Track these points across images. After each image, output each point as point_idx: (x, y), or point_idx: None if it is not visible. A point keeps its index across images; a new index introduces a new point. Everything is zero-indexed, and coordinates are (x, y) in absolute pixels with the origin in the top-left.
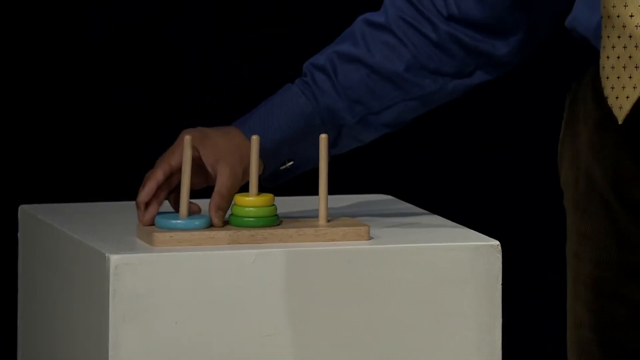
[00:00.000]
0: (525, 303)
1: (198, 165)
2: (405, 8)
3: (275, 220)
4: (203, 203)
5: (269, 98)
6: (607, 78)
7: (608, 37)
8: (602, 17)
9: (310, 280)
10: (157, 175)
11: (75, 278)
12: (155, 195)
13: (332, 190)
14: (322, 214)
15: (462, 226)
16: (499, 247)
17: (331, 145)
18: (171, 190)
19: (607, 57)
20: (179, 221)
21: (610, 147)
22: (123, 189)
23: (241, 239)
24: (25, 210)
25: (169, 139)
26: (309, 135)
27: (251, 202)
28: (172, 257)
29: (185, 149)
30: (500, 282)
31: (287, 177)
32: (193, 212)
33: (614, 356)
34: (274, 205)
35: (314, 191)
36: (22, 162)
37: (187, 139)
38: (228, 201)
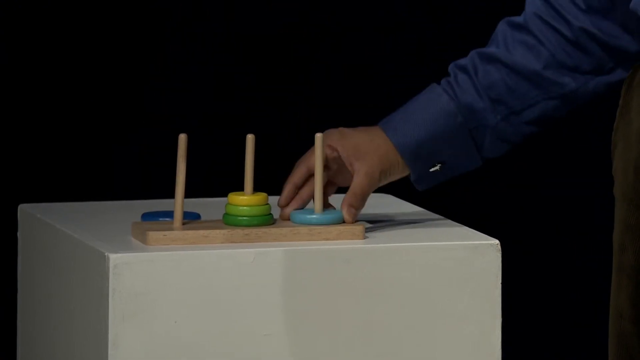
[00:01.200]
0: (525, 302)
1: (340, 164)
2: (541, 6)
3: (269, 220)
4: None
5: (413, 97)
6: None
7: None
8: None
9: (309, 279)
10: (294, 179)
11: (74, 277)
12: (297, 196)
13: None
14: (317, 212)
15: (461, 225)
16: (499, 246)
17: (478, 147)
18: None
19: None
20: (313, 216)
21: None
22: (123, 188)
23: (235, 238)
24: (24, 210)
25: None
26: (453, 135)
27: (245, 201)
28: (171, 256)
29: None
30: (500, 281)
31: (439, 180)
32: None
33: None
34: (268, 204)
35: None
36: (21, 161)
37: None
38: (362, 200)
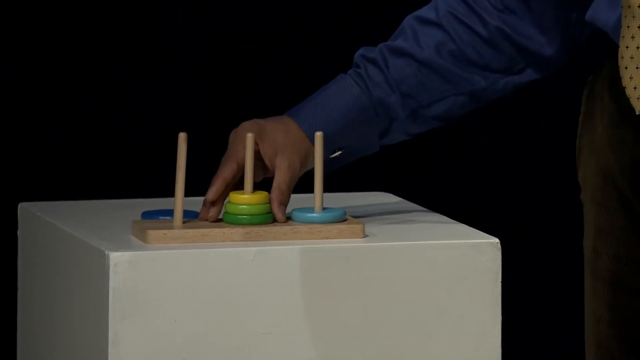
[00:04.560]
0: (525, 301)
1: (257, 158)
2: (455, 4)
3: (269, 218)
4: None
5: (322, 88)
6: (626, 68)
7: (628, 27)
8: (622, 7)
9: (309, 277)
10: (225, 175)
11: (74, 275)
12: (222, 193)
13: (331, 188)
14: (318, 211)
15: (461, 224)
16: (499, 245)
17: (381, 135)
18: (235, 186)
19: (627, 47)
20: (314, 214)
21: (628, 142)
22: (123, 187)
23: (235, 236)
24: (24, 208)
25: (168, 137)
26: (360, 126)
27: (246, 200)
28: (171, 254)
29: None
30: (500, 280)
31: (337, 165)
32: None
33: (633, 351)
34: (268, 203)
35: (311, 189)
36: (21, 160)
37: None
38: (288, 195)
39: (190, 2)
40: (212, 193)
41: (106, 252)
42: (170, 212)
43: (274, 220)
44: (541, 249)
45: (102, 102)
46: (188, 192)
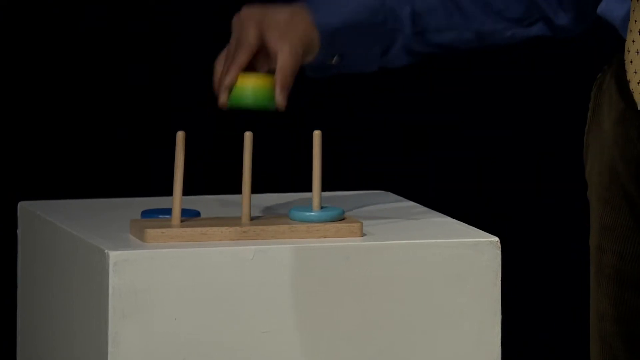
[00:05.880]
0: (525, 300)
1: (262, 44)
2: None
3: (272, 103)
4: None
5: None
6: (631, 62)
7: (635, 20)
8: (631, 1)
9: (307, 276)
10: (240, 62)
11: (74, 274)
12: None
13: (331, 187)
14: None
15: (461, 222)
16: (499, 244)
17: (381, 53)
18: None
19: (633, 41)
20: (312, 213)
21: (633, 139)
22: (122, 185)
23: (233, 235)
24: (24, 207)
25: (167, 136)
26: (366, 32)
27: (251, 82)
28: (171, 253)
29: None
30: (500, 279)
31: (331, 73)
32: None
33: (637, 348)
34: (273, 87)
35: (309, 188)
36: (21, 159)
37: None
38: (291, 80)
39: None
40: (229, 79)
41: (106, 251)
42: (170, 211)
43: (277, 108)
44: (541, 248)
45: (102, 102)
46: (186, 191)
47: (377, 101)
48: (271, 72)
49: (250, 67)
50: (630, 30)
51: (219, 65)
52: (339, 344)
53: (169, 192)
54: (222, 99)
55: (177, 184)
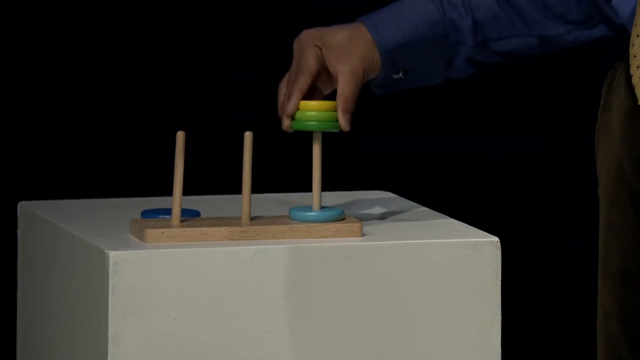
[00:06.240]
0: (525, 300)
1: (323, 67)
2: None
3: (336, 126)
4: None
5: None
6: (635, 56)
7: None
8: None
9: (307, 276)
10: (301, 87)
11: (74, 274)
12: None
13: (331, 187)
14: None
15: (461, 222)
16: (499, 244)
17: (445, 65)
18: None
19: (638, 36)
20: (312, 213)
21: (638, 139)
22: (122, 185)
23: (233, 235)
24: (24, 207)
25: (167, 136)
26: (428, 46)
27: (314, 106)
28: (171, 253)
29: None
30: (500, 279)
31: (397, 88)
32: None
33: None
34: (336, 111)
35: (309, 188)
36: (21, 158)
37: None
38: (353, 103)
39: (190, 2)
40: (291, 107)
41: (106, 251)
42: (170, 211)
43: (341, 129)
44: (541, 248)
45: (102, 102)
46: (186, 191)
47: (377, 101)
48: (334, 91)
49: (314, 89)
50: (636, 25)
51: (282, 89)
52: (339, 344)
53: (169, 192)
54: (286, 124)
55: (177, 183)
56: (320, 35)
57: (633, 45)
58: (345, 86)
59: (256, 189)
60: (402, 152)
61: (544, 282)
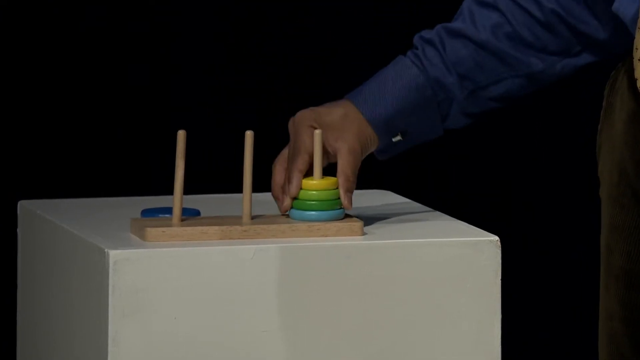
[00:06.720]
0: (525, 299)
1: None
2: None
3: (337, 204)
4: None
5: (381, 70)
6: (639, 60)
7: None
8: None
9: (308, 275)
10: (300, 168)
11: (74, 273)
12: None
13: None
14: None
15: (461, 221)
16: (499, 243)
17: (442, 119)
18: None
19: None
20: (312, 212)
21: None
22: (122, 184)
23: (234, 234)
24: (24, 206)
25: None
26: (420, 108)
27: (315, 185)
28: (171, 252)
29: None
30: (500, 278)
31: (400, 150)
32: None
33: None
34: (337, 188)
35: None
36: (21, 157)
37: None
38: (354, 180)
39: (190, 2)
40: (294, 188)
41: (106, 250)
42: (170, 210)
43: (341, 207)
44: (541, 248)
45: (102, 102)
46: (187, 190)
47: None
48: (332, 165)
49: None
50: (639, 28)
51: (278, 168)
52: (339, 343)
53: (169, 191)
54: (287, 204)
55: (177, 183)
56: (315, 115)
57: (637, 48)
58: (345, 164)
59: (257, 188)
60: (402, 153)
61: (544, 281)
